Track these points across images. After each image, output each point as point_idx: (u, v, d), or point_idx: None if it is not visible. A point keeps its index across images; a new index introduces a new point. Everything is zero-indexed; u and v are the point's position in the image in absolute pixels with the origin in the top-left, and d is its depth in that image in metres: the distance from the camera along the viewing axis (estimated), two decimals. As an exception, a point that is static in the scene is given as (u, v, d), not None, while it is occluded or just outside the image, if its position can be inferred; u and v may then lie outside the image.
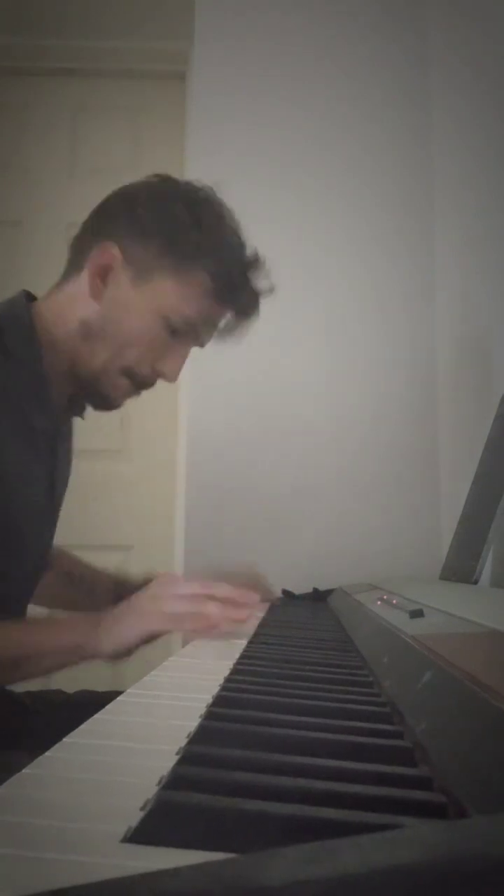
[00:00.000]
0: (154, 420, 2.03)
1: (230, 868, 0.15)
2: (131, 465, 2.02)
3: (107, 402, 0.93)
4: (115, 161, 2.17)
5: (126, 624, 0.77)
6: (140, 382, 0.92)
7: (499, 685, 0.30)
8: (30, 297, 0.93)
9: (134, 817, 0.25)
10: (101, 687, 1.00)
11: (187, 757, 0.32)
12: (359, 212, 1.74)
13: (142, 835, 0.24)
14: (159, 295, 0.87)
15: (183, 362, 0.93)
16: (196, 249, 0.88)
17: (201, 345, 0.95)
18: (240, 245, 0.92)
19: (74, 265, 0.92)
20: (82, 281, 0.89)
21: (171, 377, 0.92)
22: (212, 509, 1.63)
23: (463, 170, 1.55)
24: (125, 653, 0.78)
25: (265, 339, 1.69)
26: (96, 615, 0.80)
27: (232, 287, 0.90)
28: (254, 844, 0.23)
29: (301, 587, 1.45)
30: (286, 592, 1.44)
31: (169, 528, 1.91)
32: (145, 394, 2.12)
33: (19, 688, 0.95)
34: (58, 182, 2.16)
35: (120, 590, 1.15)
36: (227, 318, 0.94)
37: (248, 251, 0.93)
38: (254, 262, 0.93)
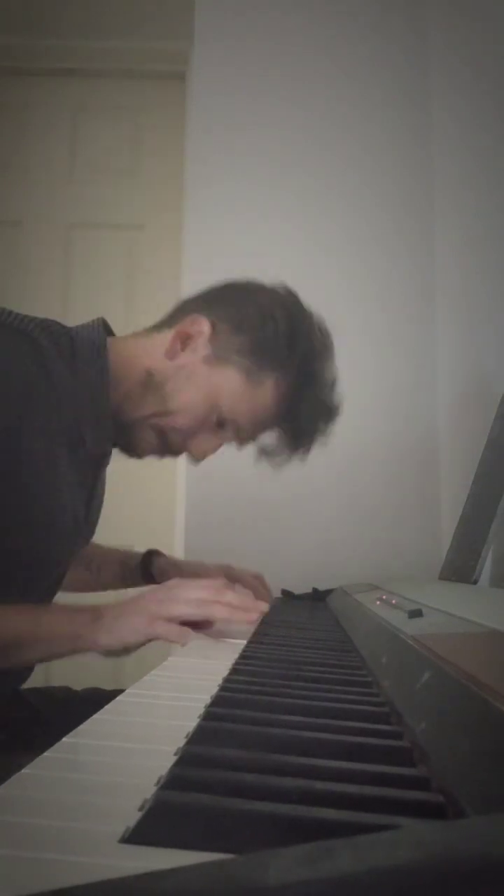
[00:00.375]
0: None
1: (228, 868, 0.15)
2: (131, 464, 2.02)
3: (131, 450, 0.96)
4: (115, 161, 2.17)
5: (130, 623, 0.77)
6: (168, 448, 0.94)
7: (498, 685, 0.30)
8: (106, 327, 0.95)
9: (132, 818, 0.25)
10: (103, 684, 1.00)
11: (185, 757, 0.32)
12: (359, 211, 1.74)
13: (140, 835, 0.24)
14: (223, 383, 0.90)
15: (213, 450, 0.95)
16: (276, 364, 0.90)
17: (240, 443, 0.96)
18: (320, 385, 0.95)
19: (167, 322, 0.95)
20: (165, 338, 0.92)
21: (196, 458, 0.95)
22: (212, 509, 1.63)
23: (463, 170, 1.55)
24: (123, 651, 0.79)
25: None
26: (98, 607, 0.81)
27: (289, 417, 0.93)
28: (251, 845, 0.23)
29: (301, 587, 1.45)
30: (286, 592, 1.44)
31: (169, 528, 1.91)
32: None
33: (26, 684, 0.95)
34: (58, 182, 2.16)
35: (125, 568, 1.17)
36: (277, 435, 0.96)
37: (326, 395, 0.96)
38: (323, 407, 0.96)
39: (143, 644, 0.78)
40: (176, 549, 1.77)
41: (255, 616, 0.79)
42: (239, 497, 1.63)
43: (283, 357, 0.90)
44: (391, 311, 1.72)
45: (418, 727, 0.35)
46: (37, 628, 0.78)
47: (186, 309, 0.94)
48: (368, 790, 0.28)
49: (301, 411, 0.93)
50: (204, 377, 0.90)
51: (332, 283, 1.71)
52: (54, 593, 0.97)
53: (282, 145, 1.75)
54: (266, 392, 0.90)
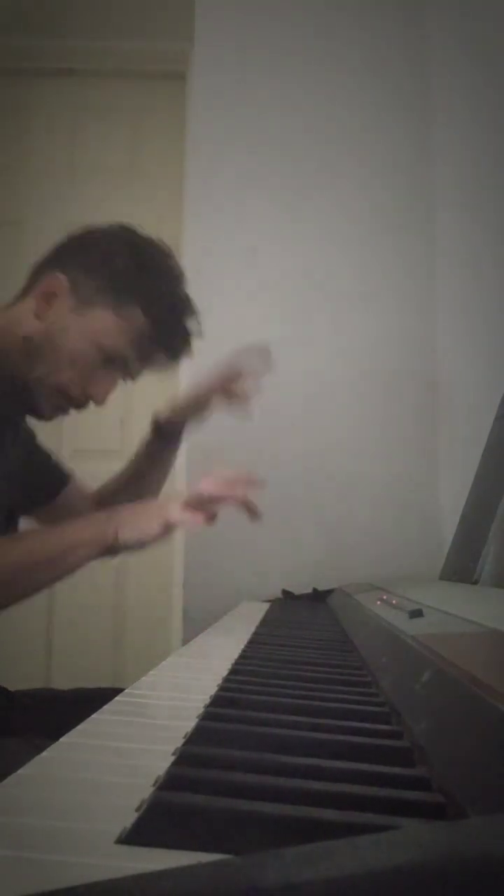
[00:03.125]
0: (154, 420, 2.03)
1: (225, 869, 0.15)
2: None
3: (38, 413, 1.01)
4: (115, 161, 2.17)
5: (146, 514, 0.85)
6: (71, 401, 1.00)
7: (498, 685, 0.30)
8: None
9: (129, 818, 0.25)
10: (100, 683, 1.00)
11: (183, 757, 0.32)
12: (359, 210, 1.74)
13: (136, 835, 0.24)
14: (96, 324, 0.97)
15: (111, 389, 1.01)
16: (134, 290, 0.98)
17: (132, 377, 1.03)
18: (176, 293, 1.02)
19: (26, 290, 1.01)
20: (30, 304, 0.98)
21: (99, 401, 1.01)
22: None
23: (462, 168, 1.55)
24: (141, 544, 0.86)
25: (265, 341, 1.69)
26: (112, 508, 0.89)
27: (163, 330, 1.00)
28: (250, 845, 0.23)
29: (301, 587, 1.45)
30: (286, 592, 1.44)
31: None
32: (145, 393, 2.11)
33: (11, 686, 0.95)
34: (58, 182, 2.16)
35: (144, 448, 1.20)
36: (159, 356, 1.03)
37: (184, 300, 1.03)
38: (186, 310, 1.03)
39: (160, 536, 0.84)
40: (176, 548, 1.77)
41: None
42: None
43: (137, 281, 0.98)
44: (392, 310, 1.71)
45: (418, 727, 0.35)
46: (62, 540, 0.85)
47: (40, 271, 1.00)
48: (368, 790, 0.28)
49: (169, 318, 1.00)
50: (77, 326, 0.96)
51: (331, 281, 1.71)
52: None
53: (282, 145, 1.75)
54: (135, 317, 0.97)
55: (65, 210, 2.14)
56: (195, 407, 1.15)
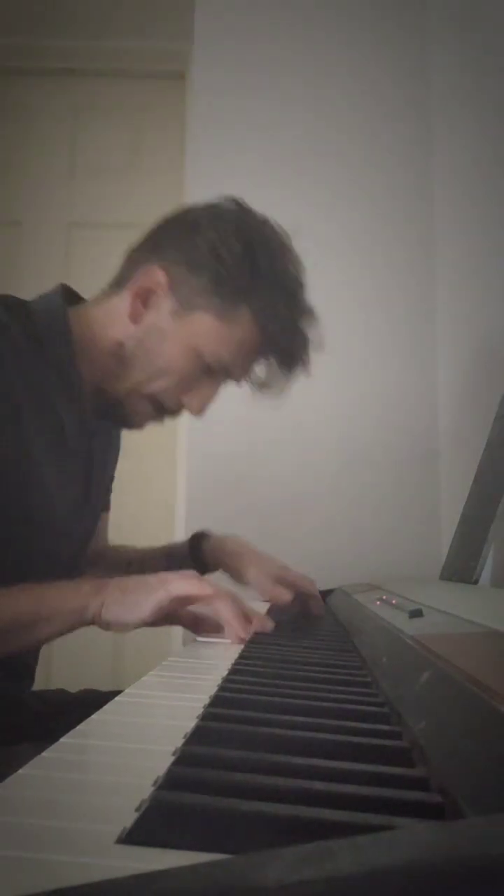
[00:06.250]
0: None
1: (225, 869, 0.15)
2: (131, 465, 2.02)
3: (127, 423, 0.92)
4: (115, 161, 2.17)
5: (136, 595, 0.73)
6: (164, 411, 0.90)
7: (498, 685, 0.30)
8: (68, 293, 0.91)
9: (129, 818, 0.25)
10: (102, 685, 1.00)
11: (183, 757, 0.32)
12: (359, 209, 1.74)
13: (136, 835, 0.24)
14: (198, 330, 0.85)
15: (211, 399, 0.90)
16: (244, 293, 0.84)
17: (235, 381, 0.92)
18: (293, 295, 0.88)
19: (122, 280, 0.90)
20: (124, 299, 0.87)
21: (197, 412, 0.90)
22: (212, 509, 1.63)
23: (463, 169, 1.55)
24: (127, 626, 0.75)
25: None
26: (102, 580, 0.76)
27: (275, 338, 0.86)
28: (250, 845, 0.23)
29: (301, 587, 1.45)
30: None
31: (169, 528, 1.91)
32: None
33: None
34: (58, 182, 2.16)
35: (171, 560, 1.08)
36: (267, 364, 0.90)
37: (302, 302, 0.89)
38: (304, 316, 0.89)
39: (149, 620, 0.74)
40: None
41: (244, 634, 0.74)
42: (239, 497, 1.63)
43: (248, 282, 0.84)
44: (391, 312, 1.72)
45: (418, 727, 0.35)
46: (40, 606, 0.75)
47: (137, 260, 0.89)
48: (367, 790, 0.28)
49: (284, 328, 0.87)
50: (176, 332, 0.85)
51: (331, 281, 1.71)
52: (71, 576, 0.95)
53: (281, 145, 1.75)
54: (243, 324, 0.85)
55: (65, 210, 2.14)
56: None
